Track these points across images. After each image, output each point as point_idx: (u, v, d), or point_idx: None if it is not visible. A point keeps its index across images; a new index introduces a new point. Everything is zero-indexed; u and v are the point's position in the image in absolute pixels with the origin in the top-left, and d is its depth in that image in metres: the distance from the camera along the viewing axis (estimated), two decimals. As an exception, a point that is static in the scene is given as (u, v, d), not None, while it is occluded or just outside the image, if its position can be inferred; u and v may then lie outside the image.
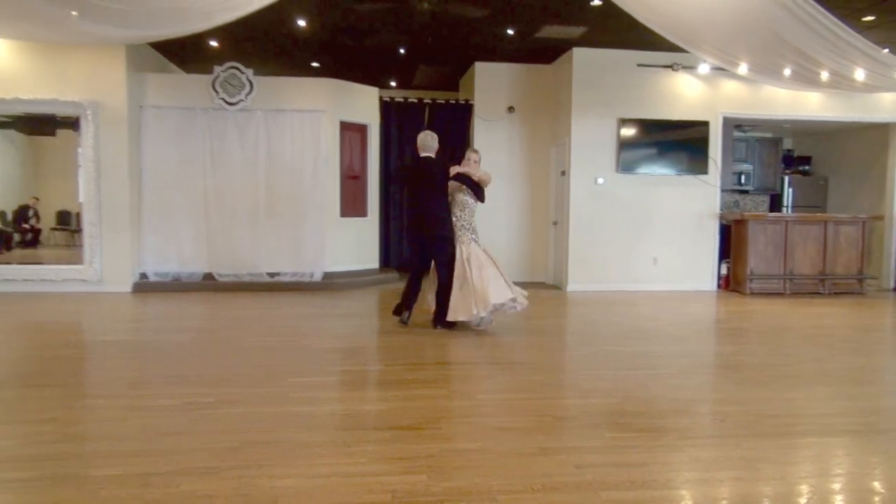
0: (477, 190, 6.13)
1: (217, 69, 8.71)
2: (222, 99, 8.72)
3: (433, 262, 6.20)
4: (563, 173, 9.60)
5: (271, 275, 9.02)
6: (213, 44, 8.89)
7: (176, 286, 8.72)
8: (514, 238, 10.21)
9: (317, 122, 9.01)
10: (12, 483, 2.79)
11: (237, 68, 8.76)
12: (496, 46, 9.20)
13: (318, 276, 9.07)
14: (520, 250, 10.21)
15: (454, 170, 6.17)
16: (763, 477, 2.97)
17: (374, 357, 5.46)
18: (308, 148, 9.05)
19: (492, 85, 10.05)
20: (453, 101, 10.42)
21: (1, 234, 10.98)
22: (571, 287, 9.31)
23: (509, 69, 10.05)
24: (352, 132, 9.59)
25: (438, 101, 10.37)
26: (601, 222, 9.34)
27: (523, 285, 9.30)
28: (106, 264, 8.47)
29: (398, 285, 9.52)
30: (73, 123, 8.56)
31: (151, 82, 8.80)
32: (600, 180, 9.33)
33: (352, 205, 9.63)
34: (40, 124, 9.31)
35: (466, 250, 5.99)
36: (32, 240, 11.22)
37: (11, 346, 5.78)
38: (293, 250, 9.08)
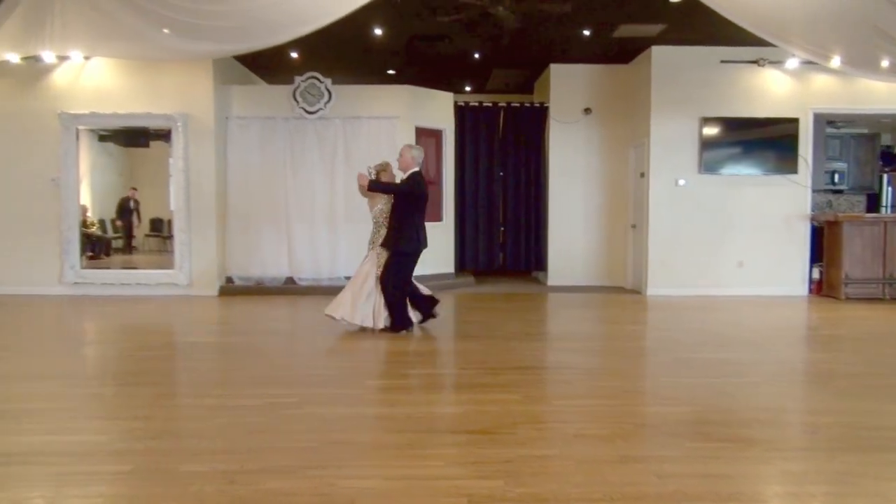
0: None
1: (297, 79, 8.99)
2: (302, 108, 8.99)
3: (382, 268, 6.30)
4: (643, 175, 9.37)
5: (349, 278, 9.19)
6: (294, 55, 9.18)
7: (259, 290, 9.03)
8: (591, 242, 10.04)
9: (392, 128, 9.14)
10: (109, 475, 2.96)
11: (316, 78, 9.01)
12: (572, 48, 9.09)
13: (394, 281, 9.19)
14: (597, 254, 10.03)
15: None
16: (861, 493, 2.79)
17: (448, 361, 5.48)
18: (384, 154, 9.15)
19: (568, 87, 9.93)
20: (528, 105, 10.36)
21: (100, 240, 11.68)
22: (651, 291, 9.07)
23: (585, 70, 9.91)
24: (427, 138, 9.68)
25: (513, 105, 10.33)
26: (682, 225, 9.06)
27: (600, 290, 9.15)
28: (194, 269, 8.87)
29: (475, 289, 9.55)
30: (164, 135, 9.02)
31: (236, 94, 9.17)
32: (681, 181, 9.05)
33: (428, 210, 9.69)
34: (135, 136, 9.87)
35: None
36: (129, 235, 11.89)
37: (110, 346, 6.13)
38: (371, 255, 9.23)
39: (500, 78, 10.92)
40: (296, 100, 8.98)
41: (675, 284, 9.04)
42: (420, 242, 6.26)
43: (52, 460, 3.12)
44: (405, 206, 6.17)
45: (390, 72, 10.58)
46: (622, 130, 9.94)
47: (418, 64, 9.99)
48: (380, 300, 6.20)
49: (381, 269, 6.22)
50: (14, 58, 7.97)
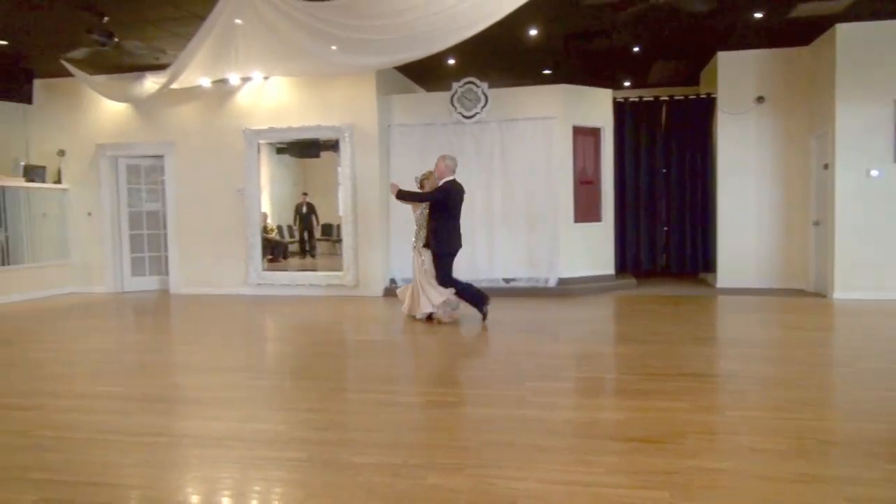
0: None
1: (455, 85, 9.19)
2: (460, 113, 9.17)
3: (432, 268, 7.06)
4: (826, 167, 8.52)
5: (507, 280, 9.25)
6: (451, 61, 9.40)
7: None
8: (766, 241, 9.28)
9: (549, 128, 9.07)
10: (287, 462, 3.18)
11: (473, 83, 9.15)
12: (741, 34, 8.47)
13: (552, 282, 9.10)
14: (773, 254, 9.26)
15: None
16: None
17: (610, 365, 5.31)
18: (540, 155, 9.15)
19: (737, 75, 9.27)
20: (693, 97, 9.81)
21: (279, 244, 12.69)
22: (839, 295, 8.20)
23: (757, 56, 9.20)
24: (585, 136, 9.49)
25: (677, 98, 9.83)
26: (875, 220, 8.11)
27: (778, 293, 8.45)
28: (361, 271, 9.35)
29: (636, 291, 9.20)
30: (333, 145, 9.61)
31: (397, 103, 9.55)
32: (874, 172, 8.11)
33: (586, 210, 9.52)
34: (308, 148, 10.63)
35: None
36: (306, 238, 12.80)
37: (289, 343, 6.62)
38: (527, 256, 9.23)
39: (662, 70, 10.43)
40: (453, 105, 9.19)
41: (868, 287, 8.12)
42: (453, 244, 6.96)
43: (238, 445, 3.42)
44: (439, 212, 6.85)
45: (546, 71, 10.50)
46: (800, 119, 9.11)
47: (575, 62, 9.82)
48: (418, 290, 7.05)
49: (423, 266, 7.05)
50: (206, 82, 8.90)
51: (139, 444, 3.47)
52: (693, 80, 10.82)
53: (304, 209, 13.30)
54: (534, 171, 9.15)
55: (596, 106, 9.54)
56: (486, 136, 9.24)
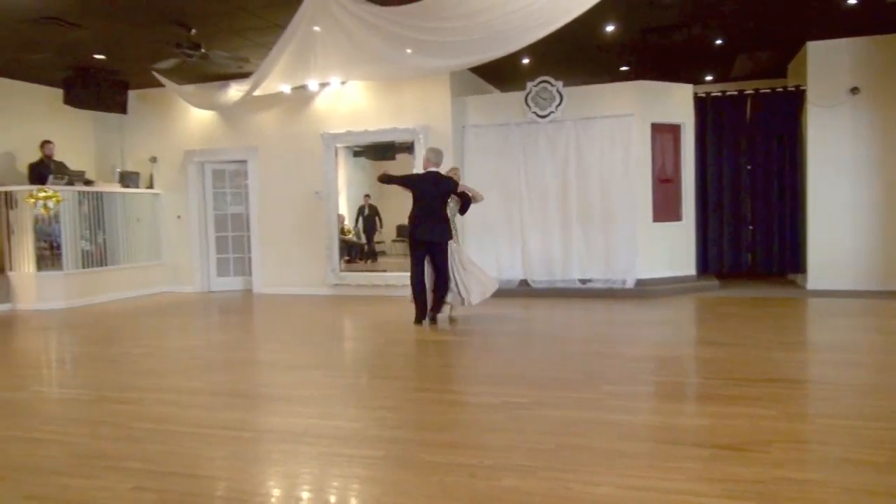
0: (466, 204, 7.23)
1: (529, 85, 9.13)
2: (534, 113, 9.10)
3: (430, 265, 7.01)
4: (929, 160, 7.96)
5: (583, 281, 9.11)
6: (525, 61, 9.34)
7: (496, 292, 9.27)
8: (864, 240, 8.73)
9: (626, 126, 8.88)
10: (362, 459, 3.25)
11: (548, 82, 9.06)
12: (833, 21, 8.03)
13: (630, 283, 8.90)
14: (872, 255, 8.70)
15: (461, 186, 7.11)
16: None
17: (691, 368, 5.14)
18: (618, 153, 8.96)
19: (829, 65, 8.79)
20: (780, 89, 9.36)
21: (355, 245, 12.96)
22: (943, 297, 7.66)
23: (851, 45, 8.69)
24: (664, 133, 9.23)
25: (762, 91, 9.40)
26: None
27: (878, 295, 7.98)
28: (436, 271, 9.41)
29: (719, 293, 8.87)
30: (408, 147, 9.73)
31: (471, 104, 9.58)
32: (984, 166, 7.52)
33: (665, 209, 9.25)
34: (383, 150, 10.81)
35: (458, 248, 7.10)
36: (369, 239, 13.01)
37: (365, 342, 6.76)
38: (605, 257, 9.06)
39: (746, 63, 10.01)
40: (528, 105, 9.13)
41: (977, 289, 7.54)
42: (413, 233, 7.01)
43: (317, 441, 3.51)
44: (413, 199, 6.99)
45: (623, 68, 10.28)
46: (900, 110, 8.55)
47: (654, 57, 9.57)
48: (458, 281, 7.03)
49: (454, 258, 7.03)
50: (286, 89, 9.19)
51: (225, 437, 3.62)
52: (780, 72, 10.33)
53: (367, 211, 13.51)
54: (611, 170, 8.98)
55: (675, 102, 9.26)
56: (561, 136, 9.13)
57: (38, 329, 7.75)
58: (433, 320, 7.06)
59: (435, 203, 6.89)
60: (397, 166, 12.35)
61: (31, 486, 3.00)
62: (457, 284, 7.02)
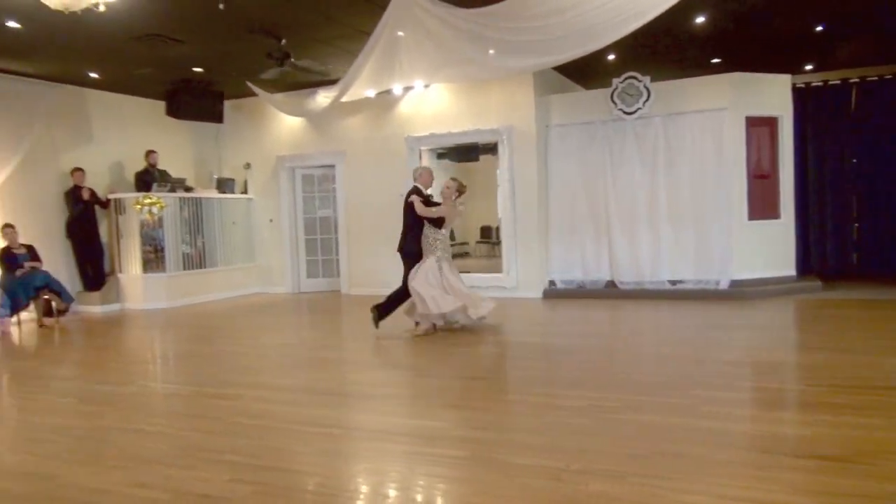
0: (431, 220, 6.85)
1: (615, 81, 8.92)
2: (621, 110, 8.89)
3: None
4: None
5: (673, 282, 8.82)
6: (611, 57, 9.13)
7: (581, 293, 9.16)
8: None
9: (719, 120, 8.52)
10: (448, 458, 3.26)
11: (634, 77, 8.83)
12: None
13: (724, 284, 8.53)
14: None
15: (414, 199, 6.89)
16: None
17: (791, 374, 4.87)
18: (709, 149, 8.61)
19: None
20: (889, 77, 8.74)
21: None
22: None
23: (971, 25, 8.01)
24: (759, 127, 8.79)
25: (869, 79, 8.82)
26: None
27: None
28: (521, 273, 9.36)
29: (822, 295, 8.37)
30: (492, 148, 9.72)
31: (555, 103, 9.46)
32: None
33: (761, 206, 8.81)
34: (467, 152, 10.83)
35: (428, 263, 6.77)
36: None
37: (448, 342, 6.78)
38: (696, 257, 8.72)
39: (851, 49, 9.40)
40: (613, 102, 8.93)
41: None
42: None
43: (403, 440, 3.56)
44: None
45: (715, 60, 9.87)
46: None
47: (749, 48, 9.14)
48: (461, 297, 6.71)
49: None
50: (371, 93, 9.37)
51: (316, 434, 3.73)
52: (888, 59, 9.64)
53: None
54: (702, 167, 8.64)
55: (772, 93, 8.81)
56: (649, 132, 8.87)
57: (143, 328, 8.25)
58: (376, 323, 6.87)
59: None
60: (481, 168, 12.39)
61: (139, 475, 3.19)
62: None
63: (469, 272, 10.31)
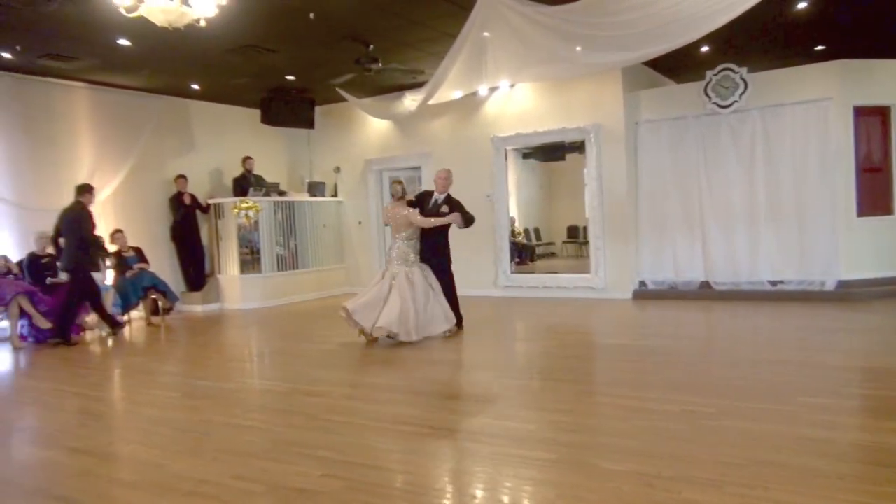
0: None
1: (708, 74, 8.58)
2: (715, 103, 8.53)
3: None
4: None
5: (773, 283, 8.37)
6: (704, 49, 8.79)
7: (673, 294, 8.86)
8: None
9: (823, 111, 8.03)
10: (536, 461, 3.22)
11: (730, 69, 8.45)
12: None
13: (830, 285, 8.03)
14: None
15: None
16: None
17: (908, 382, 4.53)
18: (813, 142, 8.13)
19: None
20: None
21: (525, 247, 12.96)
22: None
23: None
24: (869, 117, 8.23)
25: None
26: None
27: None
28: (609, 273, 9.16)
29: (940, 296, 7.74)
30: (578, 147, 9.56)
31: (645, 98, 9.19)
32: None
33: (871, 202, 8.24)
34: (552, 151, 10.72)
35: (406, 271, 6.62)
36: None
37: (536, 343, 6.73)
38: (798, 256, 8.25)
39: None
40: (707, 95, 8.58)
41: None
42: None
43: (490, 441, 3.54)
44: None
45: (819, 48, 9.31)
46: None
47: (857, 32, 8.56)
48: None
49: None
50: (457, 95, 9.43)
51: (404, 432, 3.78)
52: None
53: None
54: (804, 161, 8.16)
55: (883, 81, 8.21)
56: (745, 126, 8.47)
57: (240, 326, 8.64)
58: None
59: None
60: (567, 167, 12.23)
61: (237, 468, 3.34)
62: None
63: (556, 272, 10.21)
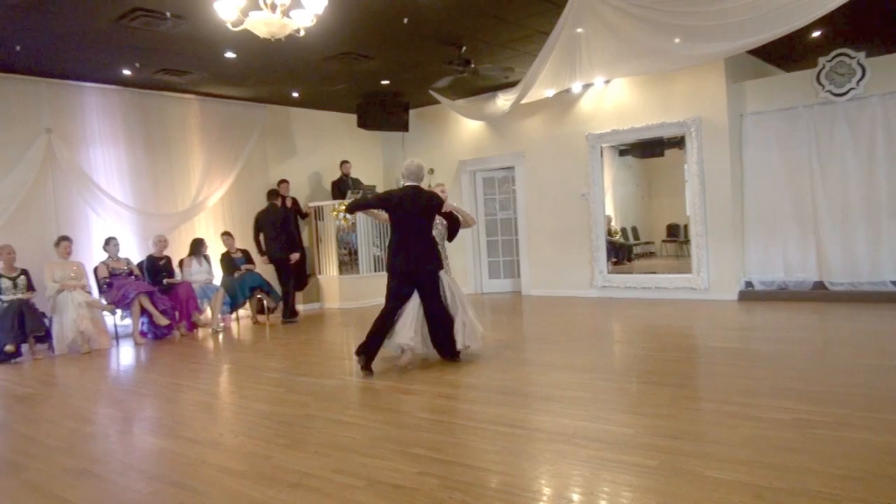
0: (455, 228, 5.96)
1: (821, 60, 8.06)
2: (829, 91, 8.01)
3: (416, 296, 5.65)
4: None
5: (897, 283, 7.77)
6: (815, 34, 8.26)
7: (783, 295, 8.38)
8: None
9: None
10: (635, 466, 3.13)
11: (845, 54, 7.91)
12: None
13: (962, 286, 7.36)
14: None
15: (448, 206, 5.87)
16: None
17: None
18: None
19: None
20: None
21: (622, 247, 12.64)
22: None
23: None
24: None
25: None
26: None
27: None
28: (712, 273, 8.78)
29: None
30: (678, 142, 9.23)
31: (750, 89, 8.75)
32: None
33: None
34: (650, 147, 10.38)
35: (450, 279, 5.93)
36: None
37: (633, 345, 6.54)
38: (928, 254, 7.61)
39: None
40: (820, 83, 8.06)
41: None
42: (391, 266, 5.64)
43: (587, 444, 3.47)
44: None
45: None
46: None
47: None
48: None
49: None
50: (550, 93, 9.32)
51: (499, 433, 3.77)
52: None
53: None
54: (932, 151, 7.53)
55: None
56: (864, 115, 7.90)
57: (340, 325, 8.91)
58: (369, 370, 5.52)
59: (417, 224, 5.57)
60: (666, 163, 11.83)
61: (338, 462, 3.44)
62: (463, 323, 5.76)
63: (655, 273, 9.89)
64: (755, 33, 6.35)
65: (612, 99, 9.56)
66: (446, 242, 6.13)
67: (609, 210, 10.69)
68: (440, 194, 5.87)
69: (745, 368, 5.12)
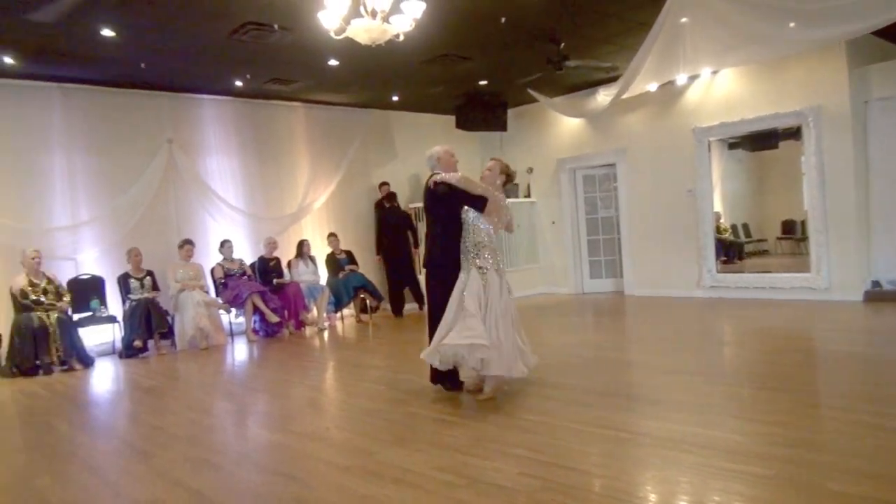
0: (470, 201, 4.72)
1: (959, 39, 7.36)
2: (968, 72, 7.29)
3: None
4: None
5: None
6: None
7: (915, 295, 7.71)
8: None
9: None
10: (748, 476, 2.97)
11: None
12: None
13: None
14: None
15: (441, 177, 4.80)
16: None
17: None
18: None
19: None
20: None
21: (732, 245, 12.04)
22: None
23: None
24: None
25: None
26: None
27: None
28: (834, 272, 8.20)
29: None
30: (793, 133, 8.68)
31: (876, 73, 8.09)
32: None
33: None
34: (763, 139, 9.81)
35: (465, 278, 4.63)
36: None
37: (745, 348, 6.22)
38: None
39: None
40: (957, 64, 7.37)
41: None
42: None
43: (695, 451, 3.33)
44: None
45: None
46: None
47: None
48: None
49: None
50: (653, 87, 9.03)
51: (602, 436, 3.69)
52: None
53: None
54: None
55: None
56: None
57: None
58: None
59: (427, 217, 5.15)
60: (780, 156, 11.15)
61: (439, 460, 3.48)
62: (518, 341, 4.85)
63: (769, 272, 9.36)
64: (882, 13, 5.88)
65: (719, 90, 9.13)
66: (502, 233, 5.09)
67: (717, 206, 10.21)
68: (487, 173, 4.95)
69: (871, 375, 4.75)
